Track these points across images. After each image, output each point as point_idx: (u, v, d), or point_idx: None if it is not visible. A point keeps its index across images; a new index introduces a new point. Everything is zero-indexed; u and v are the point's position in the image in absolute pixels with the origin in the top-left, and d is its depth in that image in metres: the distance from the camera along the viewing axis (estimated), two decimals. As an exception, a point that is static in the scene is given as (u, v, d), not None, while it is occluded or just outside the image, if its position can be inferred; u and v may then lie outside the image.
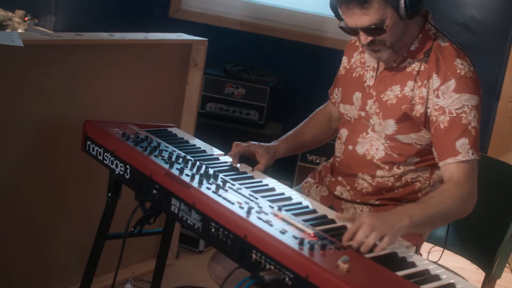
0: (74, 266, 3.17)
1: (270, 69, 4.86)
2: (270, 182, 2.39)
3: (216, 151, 2.64)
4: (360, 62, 2.60)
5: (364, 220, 1.97)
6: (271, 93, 4.59)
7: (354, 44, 2.66)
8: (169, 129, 2.85)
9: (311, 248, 1.80)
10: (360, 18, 2.27)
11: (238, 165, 2.50)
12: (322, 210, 2.21)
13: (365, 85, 2.53)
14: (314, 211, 2.18)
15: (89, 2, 5.55)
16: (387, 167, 2.49)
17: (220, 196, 2.07)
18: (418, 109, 2.39)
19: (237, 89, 4.57)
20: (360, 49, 2.60)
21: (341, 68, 2.69)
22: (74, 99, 3.11)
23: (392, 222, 2.02)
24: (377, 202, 2.54)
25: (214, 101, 4.58)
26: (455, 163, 2.31)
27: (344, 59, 2.69)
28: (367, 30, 2.29)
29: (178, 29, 3.88)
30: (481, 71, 2.46)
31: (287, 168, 4.68)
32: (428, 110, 2.37)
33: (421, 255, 2.61)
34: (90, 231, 2.77)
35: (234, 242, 1.94)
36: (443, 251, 2.66)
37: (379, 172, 2.50)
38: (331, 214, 2.19)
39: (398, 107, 2.42)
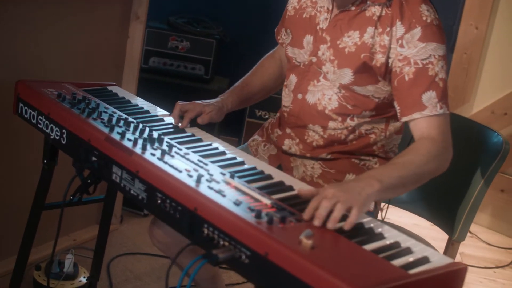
0: (11, 236, 2.95)
1: (215, 21, 4.66)
2: (220, 145, 2.21)
3: (161, 111, 2.45)
4: (311, 2, 2.38)
5: (326, 192, 1.78)
6: (217, 46, 4.41)
7: None
8: (109, 88, 2.63)
9: (270, 221, 1.62)
10: None
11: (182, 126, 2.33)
12: (278, 175, 2.03)
13: (318, 27, 2.32)
14: (269, 177, 2.00)
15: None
16: (340, 118, 2.31)
17: (166, 163, 1.88)
18: (379, 59, 2.19)
19: (181, 43, 4.36)
20: None
21: (289, 7, 2.48)
22: (4, 56, 2.86)
23: (359, 190, 1.83)
24: (328, 156, 2.37)
25: (158, 56, 4.37)
26: (423, 118, 2.13)
27: None
28: None
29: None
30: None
31: (234, 125, 4.52)
32: (390, 60, 2.18)
33: (380, 210, 2.47)
34: (27, 199, 2.56)
35: (183, 215, 1.75)
36: (387, 208, 2.57)
37: (331, 124, 2.32)
38: (288, 180, 2.01)
39: (356, 55, 2.22)
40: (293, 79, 2.40)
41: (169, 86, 4.31)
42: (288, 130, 2.42)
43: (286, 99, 2.43)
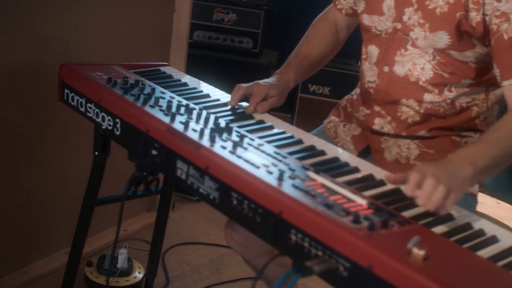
0: (63, 230, 2.75)
1: (263, -10, 4.39)
2: (294, 131, 1.96)
3: (222, 94, 2.20)
4: None
5: (426, 169, 1.55)
6: (265, 17, 4.17)
7: None
8: (162, 68, 2.39)
9: (371, 227, 1.37)
10: None
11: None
12: (365, 167, 1.78)
13: None
14: (356, 170, 1.75)
15: None
16: (436, 90, 2.04)
17: (239, 157, 1.63)
18: (474, 17, 1.90)
19: (227, 15, 4.13)
20: None
21: None
22: (45, 39, 2.64)
23: (454, 172, 1.59)
24: (427, 134, 2.10)
25: (203, 29, 4.16)
26: None
27: None
28: None
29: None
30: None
31: (286, 99, 4.26)
32: (487, 18, 1.89)
33: (486, 192, 2.21)
34: (78, 191, 2.35)
35: (266, 219, 1.51)
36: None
37: (427, 96, 2.05)
38: (377, 172, 1.76)
39: (451, 15, 1.93)
40: (373, 50, 2.13)
41: (215, 61, 4.10)
42: (377, 108, 2.15)
43: (370, 73, 2.15)
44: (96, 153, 2.17)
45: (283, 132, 1.93)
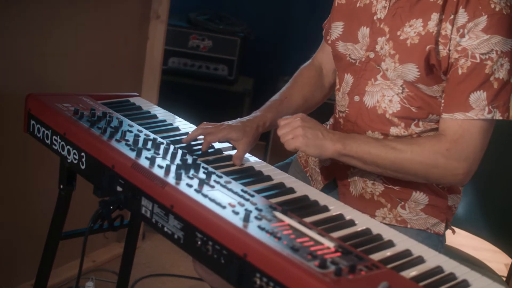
0: (28, 261, 2.68)
1: (239, 17, 4.37)
2: (263, 167, 1.93)
3: (192, 128, 2.15)
4: None
5: (295, 117, 1.89)
6: (242, 44, 4.15)
7: None
8: (131, 99, 2.34)
9: (337, 272, 1.33)
10: None
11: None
12: (336, 206, 1.75)
13: (375, 18, 2.03)
14: (325, 209, 1.72)
15: None
16: (403, 124, 2.01)
17: (205, 196, 1.59)
18: (441, 51, 1.90)
19: (203, 41, 4.10)
20: None
21: None
22: (13, 66, 2.58)
23: (319, 134, 1.88)
24: None
25: (178, 56, 4.12)
26: (465, 121, 1.88)
27: None
28: None
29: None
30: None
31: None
32: (450, 53, 1.89)
33: (453, 231, 2.18)
34: (44, 223, 2.28)
35: (230, 262, 1.46)
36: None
37: (393, 130, 2.02)
38: (347, 211, 1.72)
39: (421, 47, 1.92)
40: (348, 79, 2.11)
41: (190, 89, 4.07)
42: None
43: (342, 103, 2.14)
44: (62, 186, 2.11)
45: (251, 168, 1.89)
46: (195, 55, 4.11)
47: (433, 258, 1.54)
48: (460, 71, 1.87)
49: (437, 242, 2.08)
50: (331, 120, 2.27)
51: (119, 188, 1.77)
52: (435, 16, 1.90)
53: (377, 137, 2.04)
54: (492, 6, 1.84)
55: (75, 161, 1.93)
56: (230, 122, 2.05)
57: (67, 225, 2.21)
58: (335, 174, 2.16)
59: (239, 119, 2.09)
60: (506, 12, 1.85)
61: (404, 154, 1.89)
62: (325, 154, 1.89)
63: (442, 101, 1.93)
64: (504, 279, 2.34)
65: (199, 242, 1.53)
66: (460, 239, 2.78)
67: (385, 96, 2.01)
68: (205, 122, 2.04)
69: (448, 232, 2.16)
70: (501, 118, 1.88)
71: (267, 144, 4.30)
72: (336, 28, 2.14)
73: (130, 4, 3.06)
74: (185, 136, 2.03)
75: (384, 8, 2.01)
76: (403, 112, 2.00)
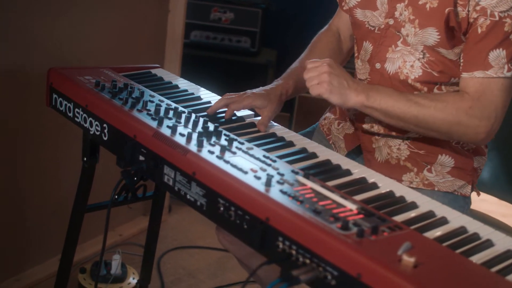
0: (55, 236, 2.70)
1: (260, -12, 4.34)
2: (285, 133, 1.92)
3: (213, 97, 2.15)
4: None
5: (320, 65, 1.85)
6: (263, 16, 4.13)
7: None
8: (153, 71, 2.35)
9: (360, 233, 1.33)
10: None
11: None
12: (358, 170, 1.74)
13: None
14: (348, 172, 1.71)
15: None
16: (425, 88, 2.00)
17: (227, 162, 1.58)
18: (460, 13, 1.88)
19: (224, 14, 4.08)
20: None
21: None
22: (34, 42, 2.59)
23: (345, 83, 1.85)
24: (417, 135, 2.06)
25: (200, 29, 4.11)
26: (484, 79, 1.87)
27: None
28: None
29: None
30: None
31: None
32: (469, 14, 1.87)
33: (478, 193, 2.17)
34: (70, 197, 2.28)
35: (253, 226, 1.46)
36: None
37: None
38: (369, 174, 1.72)
39: (440, 11, 1.89)
40: (367, 47, 2.09)
41: (213, 62, 4.06)
42: None
43: (362, 71, 2.12)
44: (85, 159, 2.12)
45: (274, 135, 1.89)
46: (217, 27, 4.10)
47: (456, 219, 1.53)
48: (479, 30, 1.85)
49: (464, 204, 2.07)
50: None
51: (141, 158, 1.77)
52: None
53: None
54: None
55: (98, 133, 1.94)
56: (254, 90, 2.05)
57: (93, 199, 2.23)
58: (360, 141, 2.15)
59: (261, 87, 2.08)
60: None
61: (427, 109, 1.86)
62: (348, 104, 1.86)
63: (461, 60, 1.92)
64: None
65: (222, 208, 1.53)
66: (488, 205, 2.77)
67: (407, 62, 2.00)
68: (228, 93, 2.03)
69: (477, 198, 2.15)
70: None
71: (291, 115, 4.29)
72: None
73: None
74: (207, 105, 2.03)
75: None
76: (425, 77, 1.99)
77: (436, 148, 2.04)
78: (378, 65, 2.06)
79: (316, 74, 1.83)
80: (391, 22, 2.01)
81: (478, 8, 1.84)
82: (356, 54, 2.16)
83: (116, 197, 2.08)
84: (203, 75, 4.02)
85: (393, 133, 2.07)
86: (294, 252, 1.37)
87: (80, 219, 2.22)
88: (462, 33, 1.90)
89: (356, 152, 2.20)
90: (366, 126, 2.11)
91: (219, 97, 2.12)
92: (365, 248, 1.29)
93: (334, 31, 2.33)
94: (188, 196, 1.63)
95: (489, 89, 1.86)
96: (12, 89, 2.55)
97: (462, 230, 1.49)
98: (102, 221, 2.01)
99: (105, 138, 1.92)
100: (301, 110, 4.20)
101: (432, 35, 1.93)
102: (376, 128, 2.09)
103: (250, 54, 4.11)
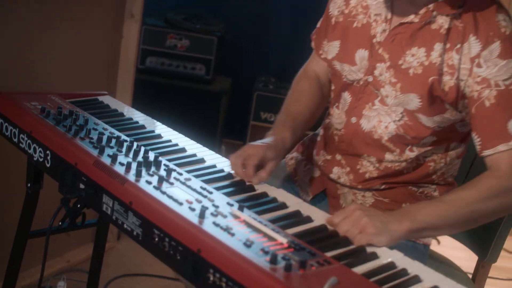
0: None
1: (216, 16, 4.38)
2: (226, 165, 1.94)
3: (157, 125, 2.17)
4: (361, 6, 2.03)
5: (351, 211, 1.64)
6: (219, 43, 4.16)
7: None
8: (100, 98, 2.36)
9: (287, 267, 1.36)
10: None
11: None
12: (294, 203, 1.77)
13: (374, 41, 1.98)
14: (283, 206, 1.74)
15: None
16: (398, 150, 2.00)
17: (164, 193, 1.61)
18: (447, 81, 1.86)
19: (180, 41, 4.11)
20: None
21: (334, 12, 2.11)
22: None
23: (386, 221, 1.64)
24: (382, 187, 2.07)
25: (155, 55, 4.13)
26: (510, 151, 1.81)
27: (340, 1, 2.10)
28: None
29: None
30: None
31: (238, 127, 4.25)
32: (462, 84, 1.85)
33: (438, 241, 2.20)
34: (12, 224, 2.28)
35: (185, 257, 1.49)
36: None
37: (388, 156, 2.01)
38: (305, 208, 1.75)
39: (424, 78, 1.88)
40: (347, 97, 2.06)
41: (168, 88, 4.08)
42: (338, 157, 2.10)
43: (338, 121, 2.09)
44: (29, 185, 2.13)
45: (214, 166, 1.91)
46: (173, 54, 4.13)
47: (386, 254, 1.57)
48: (487, 103, 1.82)
49: (424, 251, 2.08)
50: (321, 130, 2.22)
51: (81, 186, 1.79)
52: (438, 46, 1.86)
53: (372, 161, 2.04)
54: (503, 30, 1.82)
55: (41, 159, 1.95)
56: (257, 143, 1.96)
57: (40, 225, 2.22)
58: (325, 186, 2.16)
59: (260, 141, 1.98)
60: None
61: (473, 204, 1.78)
62: (398, 238, 1.66)
63: (478, 140, 1.86)
64: (470, 276, 2.37)
65: (156, 239, 1.55)
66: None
67: (382, 122, 1.98)
68: (231, 154, 1.92)
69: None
70: None
71: (244, 143, 4.31)
72: (334, 48, 2.09)
73: (105, 3, 3.07)
74: (151, 134, 2.07)
75: (384, 31, 1.96)
76: (399, 139, 1.98)
77: (401, 197, 2.06)
78: (354, 119, 2.03)
79: (352, 223, 1.62)
80: (370, 79, 1.99)
81: (479, 79, 1.82)
82: (333, 102, 2.13)
83: (60, 223, 2.08)
84: (157, 102, 4.05)
85: (359, 186, 2.08)
86: (224, 284, 1.39)
87: (23, 245, 2.21)
88: (449, 102, 1.89)
89: (321, 197, 2.19)
90: (333, 176, 2.11)
91: (163, 126, 2.14)
92: (291, 282, 1.33)
93: (313, 77, 2.26)
94: (125, 226, 1.65)
95: None
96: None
97: (391, 265, 1.52)
98: (53, 246, 2.01)
99: (48, 165, 1.93)
100: (254, 139, 4.21)
101: (414, 101, 1.92)
102: (342, 179, 2.09)
103: (205, 82, 4.14)
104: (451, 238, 2.44)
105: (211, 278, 1.42)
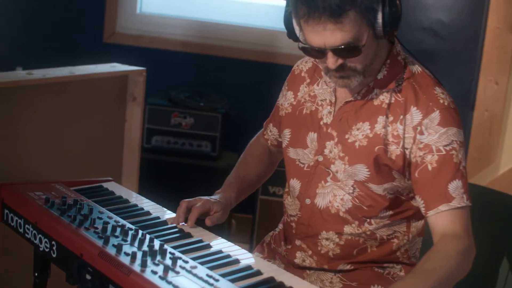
0: None
1: (220, 93, 4.42)
2: (232, 249, 1.93)
3: (163, 212, 2.17)
4: (309, 96, 2.15)
5: None
6: (223, 120, 4.18)
7: (299, 76, 2.22)
8: (104, 184, 2.36)
9: None
10: (333, 35, 1.83)
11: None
12: (302, 286, 1.76)
13: (321, 123, 2.09)
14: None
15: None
16: (356, 222, 2.05)
17: (169, 283, 1.60)
18: (393, 150, 1.98)
19: (184, 119, 4.14)
20: (308, 81, 2.18)
21: (285, 104, 2.23)
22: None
23: None
24: (348, 267, 2.10)
25: (160, 134, 4.15)
26: (450, 211, 1.90)
27: (289, 94, 2.23)
28: (339, 51, 1.86)
29: (114, 55, 3.43)
30: (452, 78, 2.08)
31: (247, 203, 4.23)
32: (407, 151, 1.96)
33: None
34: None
35: None
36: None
37: (347, 229, 2.06)
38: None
39: (369, 149, 1.99)
40: (295, 184, 2.16)
41: (174, 166, 4.10)
42: (298, 242, 2.16)
43: (292, 207, 2.17)
44: (36, 274, 2.12)
45: (220, 251, 1.90)
46: (178, 132, 4.15)
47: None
48: (430, 167, 1.93)
49: None
50: (280, 225, 2.30)
51: (88, 276, 1.78)
52: (381, 119, 1.98)
53: (331, 237, 2.08)
54: (441, 101, 1.95)
55: (47, 250, 1.95)
56: (207, 197, 2.15)
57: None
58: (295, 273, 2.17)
59: (208, 196, 2.17)
60: (453, 106, 1.97)
61: (447, 269, 1.83)
62: None
63: (422, 202, 1.96)
64: None
65: (164, 333, 1.54)
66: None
67: (337, 195, 2.06)
68: (183, 200, 2.10)
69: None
70: (470, 204, 1.94)
71: (254, 217, 4.30)
72: (285, 136, 2.20)
73: (106, 88, 3.11)
74: (156, 221, 2.07)
75: (329, 113, 2.07)
76: (355, 210, 2.04)
77: (368, 279, 2.08)
78: (308, 201, 2.11)
79: None
80: (321, 159, 2.08)
81: (421, 146, 1.94)
82: (286, 190, 2.22)
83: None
84: (164, 180, 4.06)
85: (325, 266, 2.11)
86: None
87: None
88: (397, 169, 1.99)
89: None
90: (297, 260, 2.15)
91: (169, 212, 2.15)
92: None
93: (263, 144, 2.41)
94: (132, 318, 1.64)
95: (458, 219, 1.91)
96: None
97: None
98: None
99: (54, 255, 1.93)
100: (263, 213, 4.21)
101: (362, 171, 2.01)
102: (308, 262, 2.13)
103: (211, 158, 4.15)
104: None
105: None
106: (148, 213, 2.13)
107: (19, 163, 2.72)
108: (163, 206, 2.18)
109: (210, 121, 4.14)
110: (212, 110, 4.16)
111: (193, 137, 4.15)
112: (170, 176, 4.12)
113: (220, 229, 3.97)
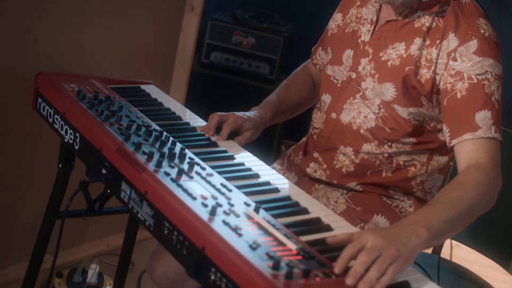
0: (27, 241, 2.69)
1: (286, 17, 4.32)
2: (255, 164, 1.88)
3: (195, 118, 2.13)
4: (355, 17, 2.13)
5: (365, 240, 1.42)
6: (285, 44, 4.11)
7: None
8: (143, 86, 2.33)
9: (289, 275, 1.30)
10: None
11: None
12: (316, 209, 1.70)
13: (359, 41, 2.07)
14: (305, 211, 1.67)
15: None
16: (376, 141, 2.01)
17: (180, 186, 1.56)
18: (424, 74, 1.93)
19: (246, 38, 4.07)
20: (358, 3, 2.15)
21: (332, 25, 2.22)
22: (36, 47, 2.60)
23: (405, 240, 1.47)
24: (357, 187, 2.07)
25: (220, 50, 4.10)
26: (474, 140, 1.81)
27: (338, 16, 2.21)
28: None
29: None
30: None
31: (297, 127, 4.18)
32: (437, 77, 1.91)
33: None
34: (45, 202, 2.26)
35: (190, 253, 1.44)
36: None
37: (365, 147, 2.03)
38: (327, 215, 1.67)
39: (400, 69, 1.95)
40: (326, 99, 2.14)
41: (230, 84, 4.06)
42: (315, 155, 2.14)
43: (318, 120, 2.16)
44: (60, 165, 2.11)
45: (241, 164, 1.86)
46: (238, 51, 4.09)
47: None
48: (459, 95, 1.86)
49: None
50: (304, 139, 2.28)
51: (104, 171, 1.76)
52: (418, 41, 1.94)
53: (348, 152, 2.05)
54: (482, 31, 1.88)
55: (71, 141, 1.93)
56: (241, 113, 2.10)
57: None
58: (302, 187, 2.11)
59: (242, 112, 2.12)
60: (494, 39, 1.89)
61: (467, 201, 1.69)
62: (420, 250, 1.53)
63: (447, 130, 1.89)
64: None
65: (166, 231, 1.51)
66: (465, 254, 2.71)
67: (361, 113, 2.03)
68: (218, 112, 2.05)
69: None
70: (501, 139, 1.85)
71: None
72: (328, 54, 2.18)
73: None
74: (185, 126, 2.03)
75: (368, 31, 2.05)
76: (377, 130, 2.01)
77: (374, 207, 2.04)
78: (334, 115, 2.09)
79: (375, 256, 1.41)
80: (353, 75, 2.06)
81: (453, 72, 1.87)
82: (317, 105, 2.20)
83: (99, 205, 2.07)
84: (218, 96, 4.02)
85: (334, 181, 2.08)
86: (223, 285, 1.34)
87: (51, 224, 2.19)
88: (424, 94, 1.94)
89: None
90: (309, 170, 2.13)
91: (201, 120, 2.11)
92: (290, 290, 1.26)
93: (308, 73, 2.41)
94: (139, 215, 1.61)
95: (483, 148, 1.82)
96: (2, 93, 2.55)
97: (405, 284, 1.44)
98: (89, 230, 1.99)
99: (77, 148, 1.91)
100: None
101: (389, 90, 1.97)
102: (318, 173, 2.11)
103: (268, 81, 4.10)
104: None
105: (212, 277, 1.37)
106: (179, 118, 2.09)
107: (73, 56, 2.71)
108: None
109: (271, 44, 4.08)
110: (275, 33, 4.09)
111: (252, 58, 4.09)
112: (221, 92, 4.09)
113: (267, 152, 3.94)
